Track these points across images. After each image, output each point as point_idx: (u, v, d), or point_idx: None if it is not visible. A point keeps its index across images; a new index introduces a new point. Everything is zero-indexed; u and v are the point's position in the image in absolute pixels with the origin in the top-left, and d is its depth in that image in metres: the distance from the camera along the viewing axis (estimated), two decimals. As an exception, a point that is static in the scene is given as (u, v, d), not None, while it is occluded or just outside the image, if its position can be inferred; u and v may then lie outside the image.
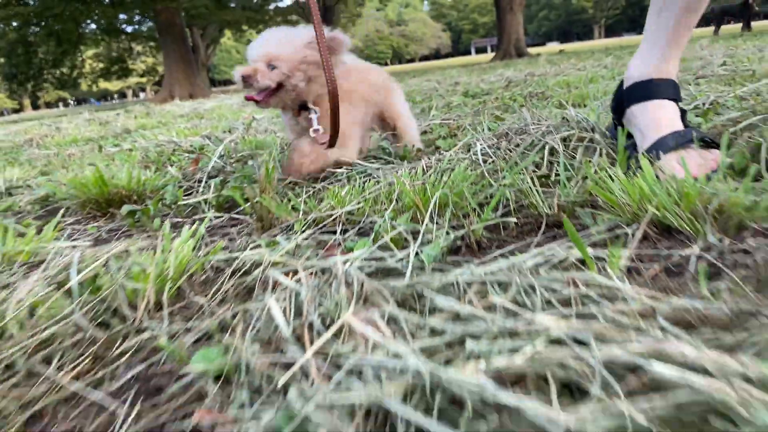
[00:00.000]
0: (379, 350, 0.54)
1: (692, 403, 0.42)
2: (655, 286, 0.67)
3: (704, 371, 0.44)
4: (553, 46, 42.56)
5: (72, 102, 65.75)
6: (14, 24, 23.63)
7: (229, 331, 0.68)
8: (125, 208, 1.35)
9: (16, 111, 59.70)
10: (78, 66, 28.98)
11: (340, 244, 0.96)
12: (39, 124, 6.87)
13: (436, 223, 0.98)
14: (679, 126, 1.15)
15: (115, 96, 68.95)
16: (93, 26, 26.01)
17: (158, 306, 0.79)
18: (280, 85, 1.49)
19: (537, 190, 1.05)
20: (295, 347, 0.58)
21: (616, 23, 64.49)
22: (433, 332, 0.58)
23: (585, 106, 2.34)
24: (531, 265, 0.72)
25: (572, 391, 0.48)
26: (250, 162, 1.91)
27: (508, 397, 0.43)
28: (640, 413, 0.42)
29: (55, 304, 0.74)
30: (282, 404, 0.49)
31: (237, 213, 1.34)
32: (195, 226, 1.01)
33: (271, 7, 27.63)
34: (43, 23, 22.81)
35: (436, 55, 74.73)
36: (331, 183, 1.48)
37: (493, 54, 24.53)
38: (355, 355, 0.54)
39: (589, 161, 1.17)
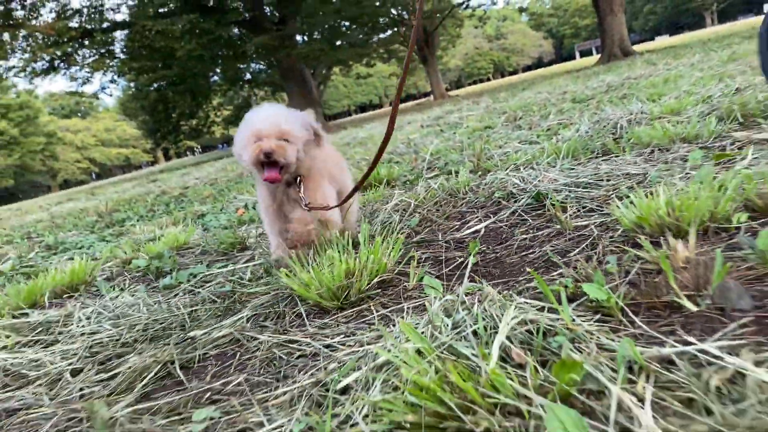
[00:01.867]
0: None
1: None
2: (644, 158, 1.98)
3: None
4: (663, 40, 41.98)
5: (198, 150, 71.98)
6: (156, 85, 27.11)
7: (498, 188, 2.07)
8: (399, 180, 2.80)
9: (151, 163, 66.65)
10: (209, 116, 32.51)
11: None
12: (228, 163, 8.82)
13: (565, 158, 2.33)
14: None
15: (235, 140, 74.49)
16: (214, 78, 29.22)
17: (451, 195, 2.19)
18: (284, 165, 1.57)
19: (612, 144, 2.36)
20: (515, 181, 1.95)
21: (729, 7, 61.77)
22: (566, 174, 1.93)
23: (654, 101, 3.56)
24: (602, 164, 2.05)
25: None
26: (451, 156, 3.32)
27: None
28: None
29: (432, 192, 2.17)
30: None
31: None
32: (453, 175, 2.43)
33: (374, 39, 29.57)
34: (178, 81, 25.86)
35: (539, 63, 74.91)
36: (507, 153, 2.84)
37: (598, 57, 24.93)
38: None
39: (636, 128, 2.47)
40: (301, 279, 1.35)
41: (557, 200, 1.70)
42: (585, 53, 63.84)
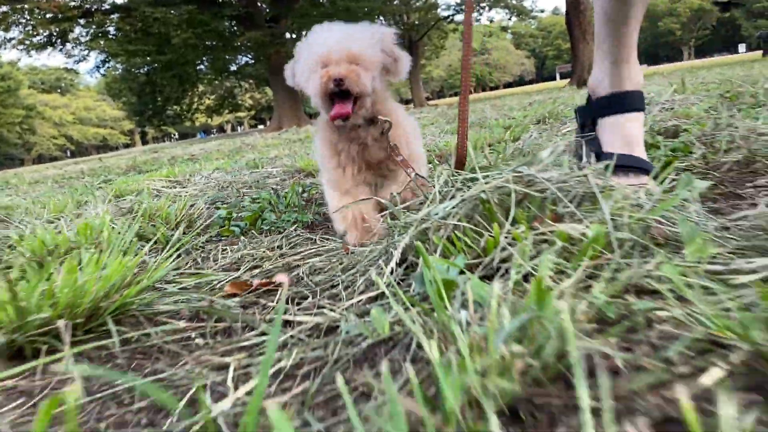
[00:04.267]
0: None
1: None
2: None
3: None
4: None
5: (174, 137, 73.16)
6: (146, 68, 28.59)
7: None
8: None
9: (127, 145, 67.64)
10: (195, 102, 34.11)
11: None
12: (222, 143, 10.59)
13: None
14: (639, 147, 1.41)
15: (214, 130, 76.12)
16: (200, 67, 30.77)
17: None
18: (357, 97, 1.34)
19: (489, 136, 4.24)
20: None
21: (706, 44, 65.37)
22: (442, 138, 3.80)
23: (536, 113, 5.46)
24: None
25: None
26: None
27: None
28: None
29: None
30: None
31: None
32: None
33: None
34: (169, 67, 27.37)
35: (520, 81, 77.62)
36: (425, 135, 4.69)
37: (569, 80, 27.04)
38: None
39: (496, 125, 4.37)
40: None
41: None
42: (565, 75, 66.46)
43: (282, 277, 1.18)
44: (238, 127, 75.01)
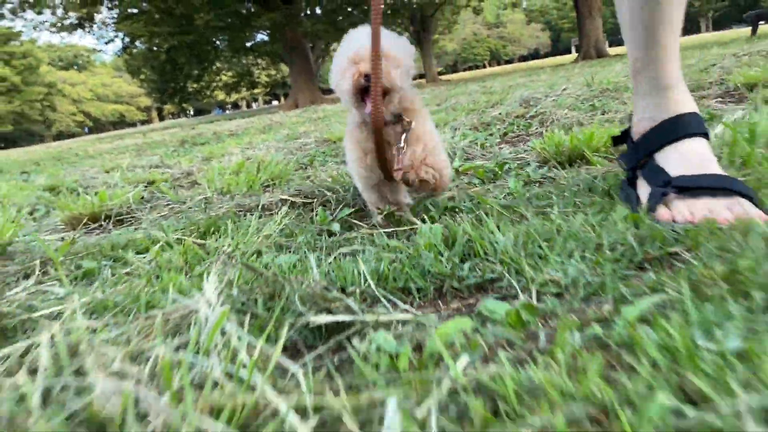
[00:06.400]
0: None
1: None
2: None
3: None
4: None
5: (190, 113, 75.15)
6: (166, 47, 30.48)
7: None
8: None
9: (143, 122, 69.79)
10: (214, 80, 36.01)
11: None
12: (252, 121, 12.50)
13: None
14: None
15: (229, 106, 78.00)
16: (217, 44, 32.62)
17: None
18: (386, 92, 1.43)
19: (451, 110, 6.14)
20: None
21: (724, 16, 65.79)
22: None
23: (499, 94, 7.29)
24: (439, 115, 5.85)
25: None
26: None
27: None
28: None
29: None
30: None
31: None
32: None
33: (374, 20, 32.92)
34: (191, 47, 29.24)
35: (535, 55, 78.37)
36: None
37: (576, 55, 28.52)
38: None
39: (463, 104, 6.26)
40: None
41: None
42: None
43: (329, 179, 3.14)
44: (253, 104, 76.89)
